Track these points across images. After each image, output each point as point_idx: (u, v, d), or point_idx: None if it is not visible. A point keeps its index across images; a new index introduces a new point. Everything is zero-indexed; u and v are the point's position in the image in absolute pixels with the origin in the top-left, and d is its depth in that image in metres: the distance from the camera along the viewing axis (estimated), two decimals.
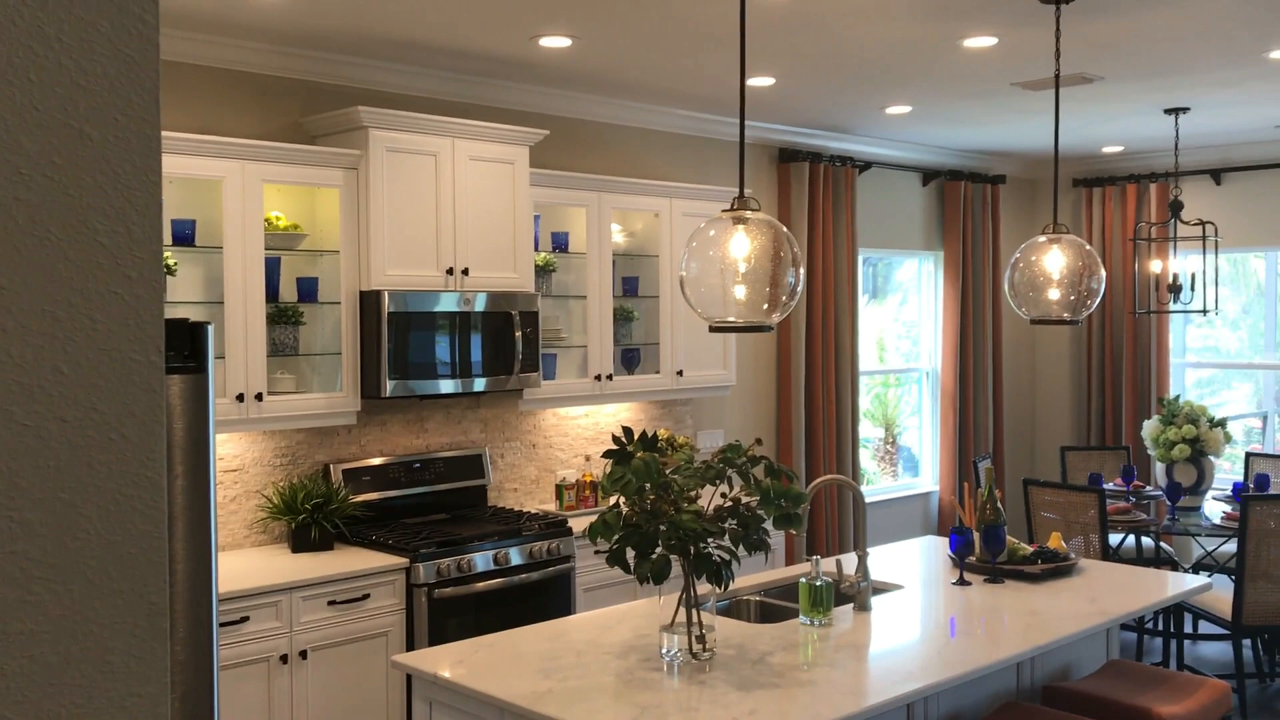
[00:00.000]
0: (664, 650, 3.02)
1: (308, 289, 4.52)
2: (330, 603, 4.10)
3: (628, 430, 3.05)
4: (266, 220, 4.33)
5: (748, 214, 2.96)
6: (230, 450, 4.48)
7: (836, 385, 6.76)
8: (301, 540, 4.41)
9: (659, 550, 2.95)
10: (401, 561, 4.29)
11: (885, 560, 4.25)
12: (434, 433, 5.09)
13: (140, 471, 0.91)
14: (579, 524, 4.71)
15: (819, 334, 6.62)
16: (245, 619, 3.89)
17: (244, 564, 4.24)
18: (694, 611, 3.02)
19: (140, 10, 0.89)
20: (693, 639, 3.00)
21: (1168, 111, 6.08)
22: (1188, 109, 6.02)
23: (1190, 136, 6.79)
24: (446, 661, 3.03)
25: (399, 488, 4.84)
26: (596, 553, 3.06)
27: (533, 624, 3.42)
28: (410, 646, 4.24)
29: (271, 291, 4.36)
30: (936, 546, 4.49)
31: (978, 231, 7.69)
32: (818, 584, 3.35)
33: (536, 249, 5.11)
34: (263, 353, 4.24)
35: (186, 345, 1.46)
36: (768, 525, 3.03)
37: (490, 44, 4.50)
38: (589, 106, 5.59)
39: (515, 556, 4.59)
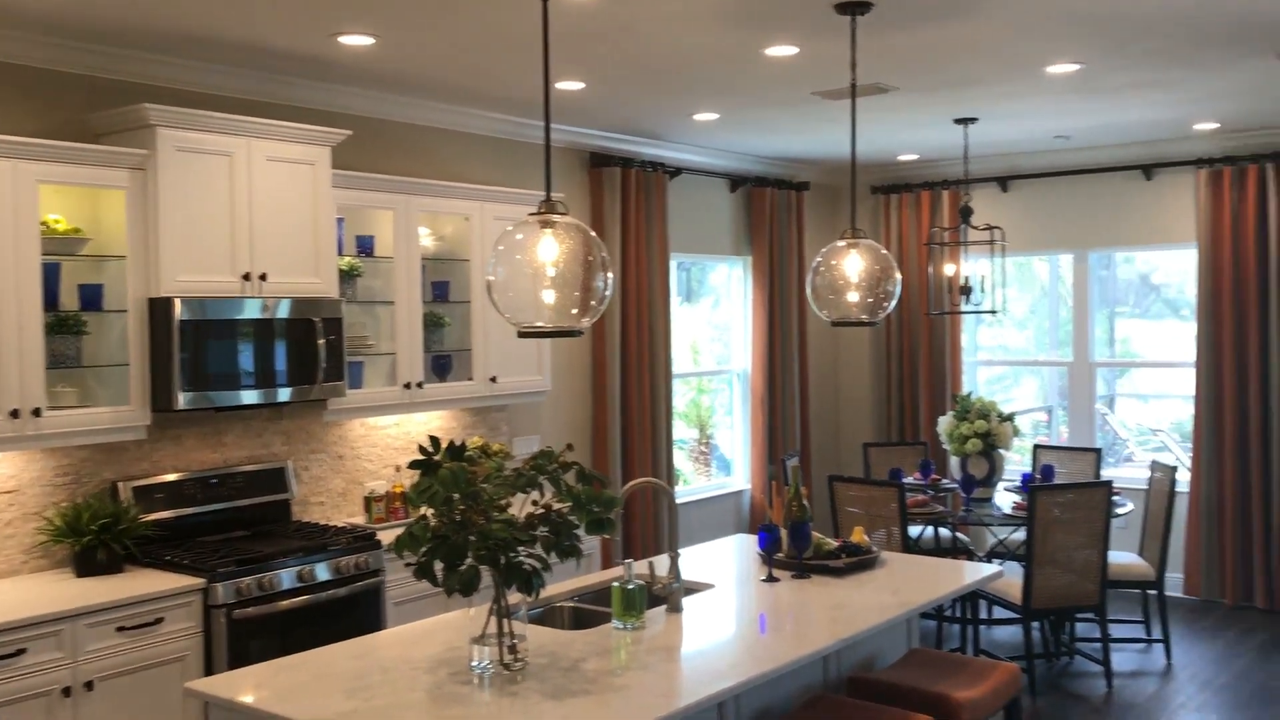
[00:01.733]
0: (474, 663, 2.96)
1: (91, 297, 4.24)
2: (119, 629, 3.85)
3: (434, 440, 2.98)
4: (43, 224, 4.03)
5: (555, 218, 2.94)
6: (4, 471, 4.16)
7: (651, 388, 6.82)
8: (87, 564, 4.13)
9: (468, 561, 2.89)
10: (198, 582, 4.07)
11: (698, 560, 4.30)
12: (233, 446, 4.86)
13: None
14: (389, 537, 4.59)
15: (633, 338, 6.67)
16: (21, 651, 3.61)
17: (20, 592, 3.94)
18: (505, 621, 2.97)
19: None
20: (504, 649, 2.95)
21: (958, 122, 6.39)
22: (976, 120, 6.34)
23: (979, 146, 7.15)
24: (246, 686, 2.88)
25: (195, 505, 4.61)
26: (407, 565, 2.98)
27: (341, 642, 3.30)
28: (208, 672, 4.03)
29: (50, 300, 4.07)
30: (747, 544, 4.57)
31: (784, 236, 7.90)
32: (630, 587, 3.35)
33: (341, 253, 4.95)
34: (40, 365, 3.95)
35: None
36: (580, 531, 3.01)
37: (288, 41, 4.34)
38: (395, 107, 5.47)
39: (322, 572, 4.43)
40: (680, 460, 8.61)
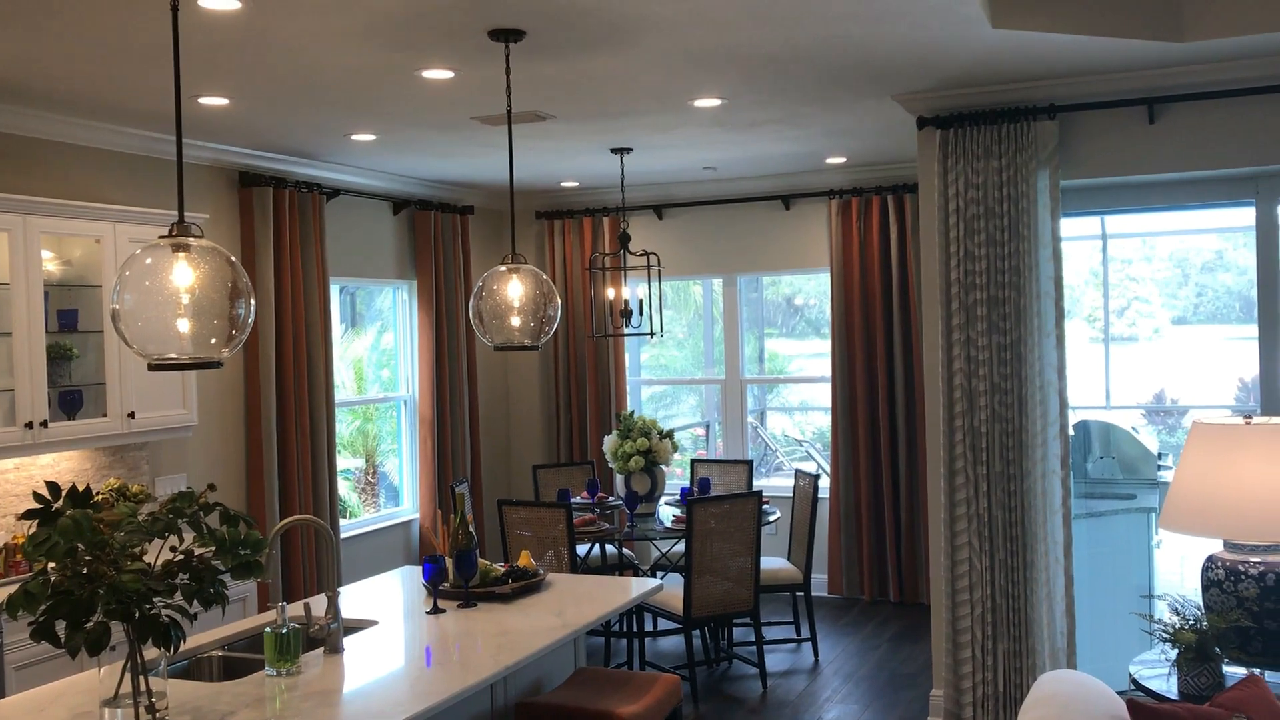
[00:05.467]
0: None
1: None
2: None
3: (53, 486, 2.70)
4: None
5: (190, 241, 2.75)
6: None
7: (311, 418, 6.54)
8: None
9: (96, 617, 2.63)
10: None
11: (360, 597, 4.16)
12: None
13: None
14: (6, 594, 4.11)
15: (290, 366, 6.37)
16: None
17: None
18: (142, 679, 2.73)
19: None
20: (140, 710, 2.71)
21: (614, 151, 6.60)
22: (631, 149, 6.58)
23: (636, 175, 7.42)
24: None
25: None
26: (29, 625, 2.67)
27: None
28: None
29: None
30: (414, 576, 4.47)
31: (449, 261, 7.84)
32: (284, 631, 3.17)
33: None
34: None
35: None
36: (226, 577, 2.82)
37: None
38: (13, 119, 4.94)
39: None
40: (346, 491, 8.33)
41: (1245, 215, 5.10)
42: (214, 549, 2.80)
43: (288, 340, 6.36)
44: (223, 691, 3.06)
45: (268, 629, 3.20)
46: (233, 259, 2.80)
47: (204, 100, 4.88)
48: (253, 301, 2.80)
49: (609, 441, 6.62)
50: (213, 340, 2.77)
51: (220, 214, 6.10)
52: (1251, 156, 4.84)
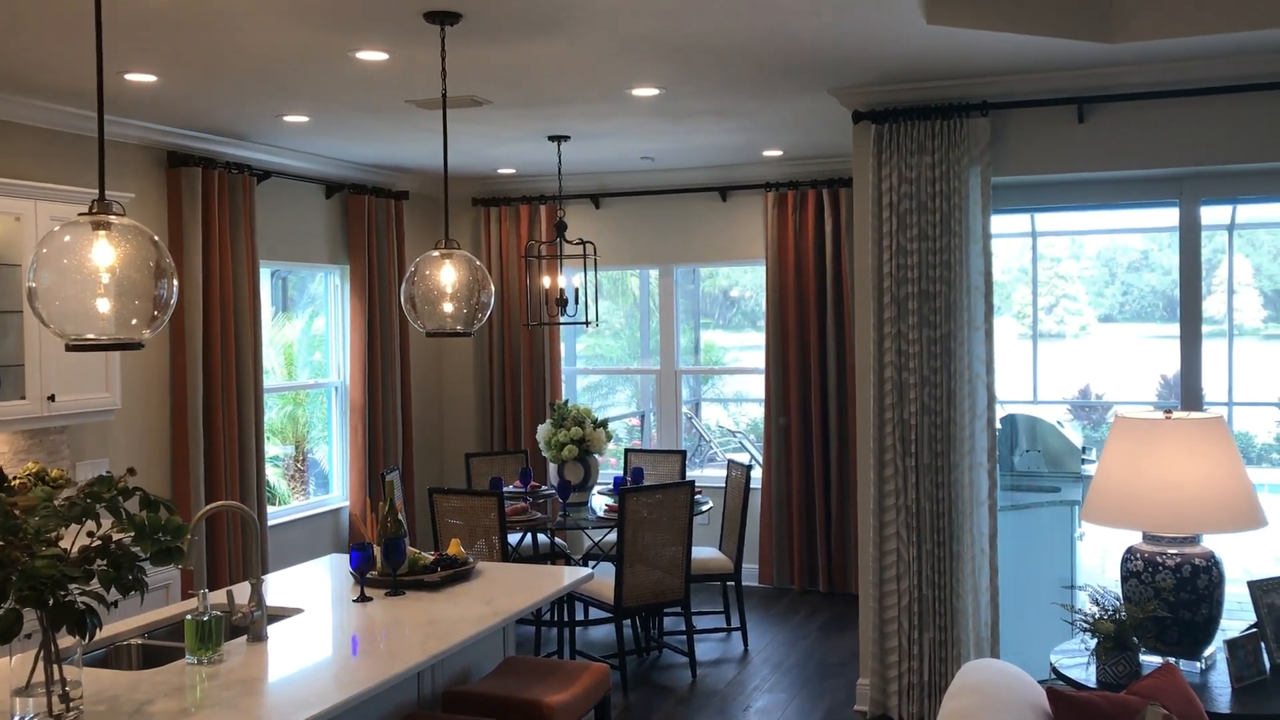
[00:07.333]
0: (17, 717, 2.63)
1: None
2: None
3: None
4: None
5: (111, 219, 2.67)
6: None
7: (239, 403, 6.43)
8: None
9: (9, 604, 2.56)
10: None
11: (286, 584, 4.10)
12: None
13: None
14: None
15: (218, 350, 6.25)
16: None
17: None
18: (56, 667, 2.66)
19: None
20: (53, 699, 2.64)
21: (551, 139, 6.56)
22: (568, 137, 6.54)
23: (573, 163, 7.38)
24: None
25: None
26: None
27: None
28: None
29: None
30: (341, 564, 4.42)
31: (383, 246, 7.75)
32: (205, 619, 3.12)
33: None
34: None
35: None
36: (146, 563, 2.76)
37: None
38: None
39: None
40: (276, 478, 8.21)
41: (1170, 216, 5.22)
42: (133, 535, 2.74)
43: (216, 324, 6.24)
44: (141, 680, 3.00)
45: (189, 616, 3.14)
46: (156, 238, 2.72)
47: (131, 77, 4.76)
48: (176, 282, 2.74)
49: (543, 430, 6.59)
50: (134, 321, 2.70)
51: (147, 194, 5.97)
52: (1176, 157, 4.94)
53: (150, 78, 4.81)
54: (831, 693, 5.68)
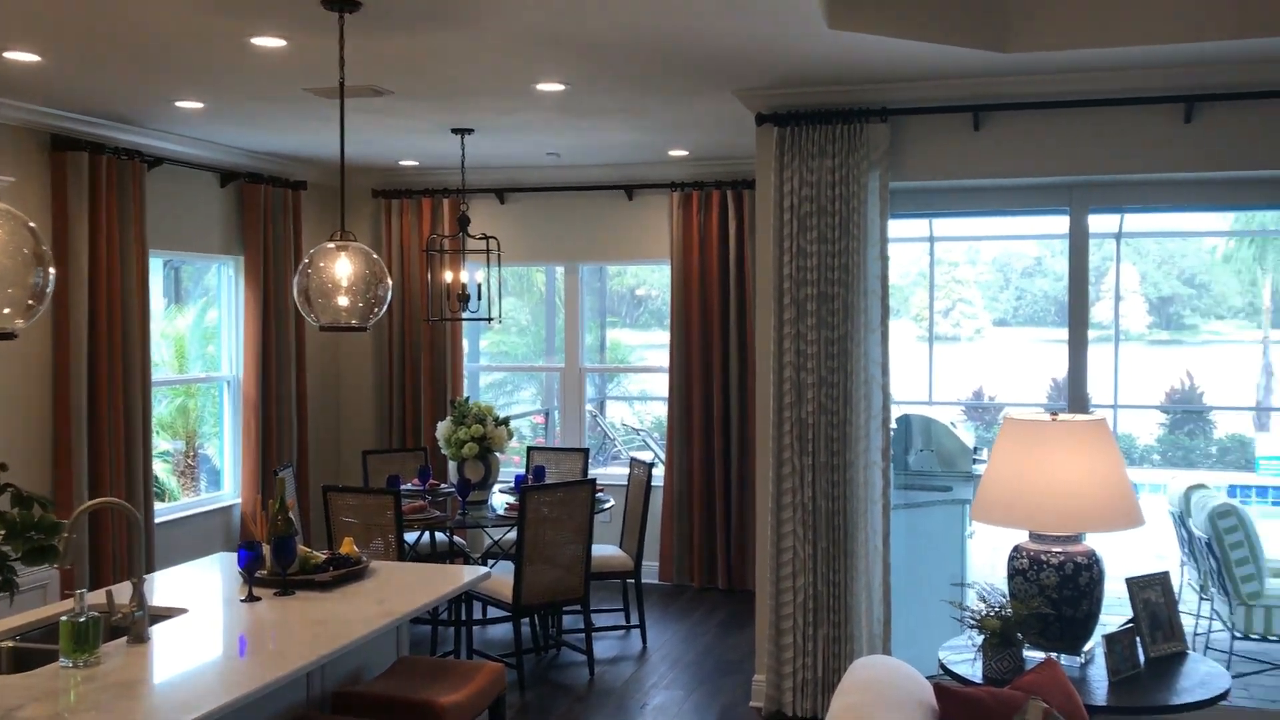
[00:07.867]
0: None
1: None
2: None
3: None
4: None
5: None
6: None
7: (125, 397, 6.22)
8: None
9: None
10: None
11: (171, 584, 3.97)
12: None
13: None
14: None
15: (104, 341, 6.04)
16: None
17: None
18: None
19: None
20: None
21: (455, 131, 6.48)
22: (473, 131, 6.47)
23: (477, 157, 7.31)
24: None
25: None
26: None
27: None
28: None
29: None
30: (230, 563, 4.30)
31: (280, 237, 7.57)
32: (81, 620, 3.00)
33: None
34: None
35: None
36: (17, 562, 2.65)
37: None
38: None
39: None
40: (165, 474, 7.98)
41: (1061, 223, 5.37)
42: (4, 533, 2.63)
43: (101, 314, 6.03)
44: (10, 684, 2.88)
45: (64, 618, 3.02)
46: (32, 224, 2.62)
47: (11, 55, 4.57)
48: (53, 270, 2.64)
49: (443, 428, 6.51)
50: (6, 310, 2.60)
51: (30, 179, 5.74)
52: (1066, 166, 5.09)
53: (33, 57, 4.63)
54: (729, 690, 5.72)
